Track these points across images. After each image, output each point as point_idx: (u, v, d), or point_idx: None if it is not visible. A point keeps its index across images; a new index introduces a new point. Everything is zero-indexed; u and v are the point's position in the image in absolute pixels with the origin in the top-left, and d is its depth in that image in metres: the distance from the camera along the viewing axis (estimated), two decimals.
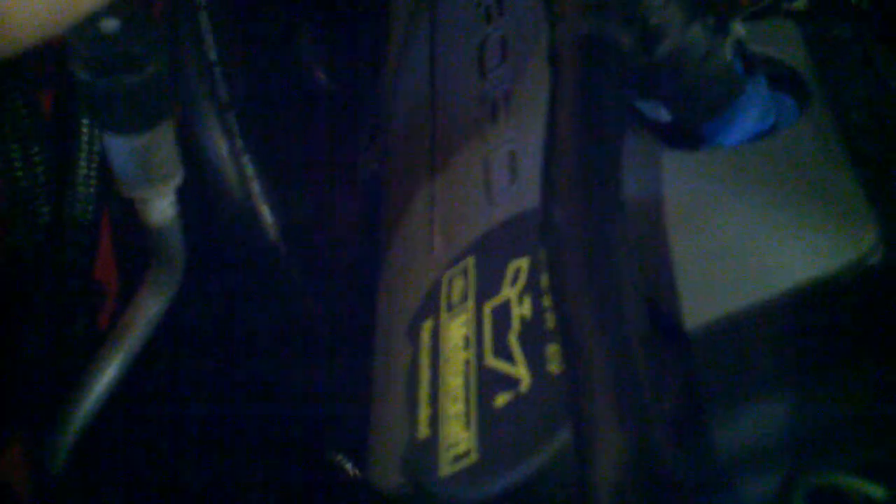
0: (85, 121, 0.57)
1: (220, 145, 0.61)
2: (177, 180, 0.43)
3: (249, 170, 0.62)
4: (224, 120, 0.61)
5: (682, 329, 0.38)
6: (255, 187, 0.62)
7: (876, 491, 0.31)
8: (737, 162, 0.41)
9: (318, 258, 0.66)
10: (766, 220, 0.39)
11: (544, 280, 0.37)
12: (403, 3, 0.76)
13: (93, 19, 0.37)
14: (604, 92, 0.33)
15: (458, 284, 0.41)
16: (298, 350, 0.62)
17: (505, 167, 0.48)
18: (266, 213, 0.62)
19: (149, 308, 0.48)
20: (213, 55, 0.61)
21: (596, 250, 0.30)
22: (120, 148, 0.40)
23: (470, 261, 0.42)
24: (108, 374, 0.49)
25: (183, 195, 0.48)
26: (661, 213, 0.40)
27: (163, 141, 0.40)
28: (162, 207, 0.43)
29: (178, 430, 0.63)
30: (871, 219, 0.37)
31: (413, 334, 0.42)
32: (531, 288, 0.37)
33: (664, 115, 0.43)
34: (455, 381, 0.38)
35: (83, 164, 0.59)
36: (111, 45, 0.37)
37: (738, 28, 0.42)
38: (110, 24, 0.37)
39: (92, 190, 0.59)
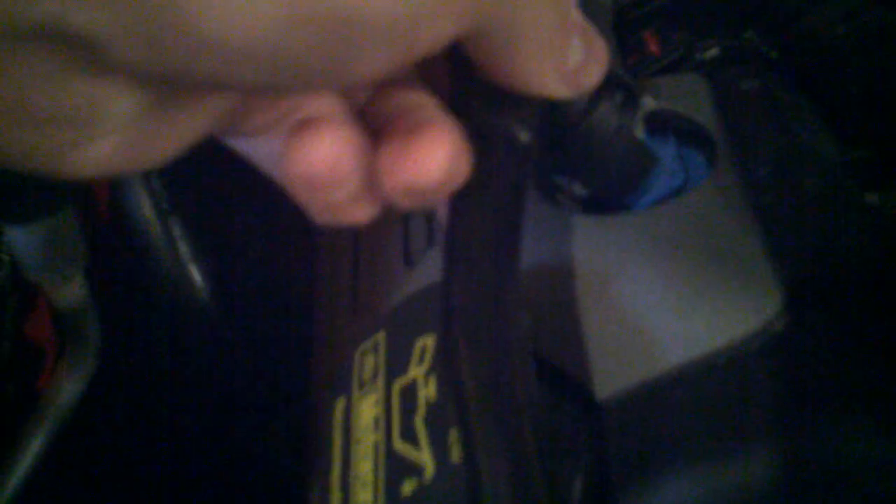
0: None
1: (144, 206, 0.60)
2: (81, 263, 0.41)
3: (176, 230, 0.61)
4: (149, 180, 0.59)
5: (593, 399, 0.37)
6: (183, 248, 0.60)
7: None
8: (646, 226, 0.40)
9: (255, 320, 0.65)
10: (675, 286, 0.38)
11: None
12: None
13: None
14: (499, 181, 0.31)
15: (370, 361, 0.40)
16: (230, 410, 0.60)
17: (422, 230, 0.47)
18: (195, 274, 0.60)
19: (64, 391, 0.46)
20: None
21: (489, 337, 0.29)
22: (18, 236, 0.39)
23: (381, 336, 0.40)
24: (29, 455, 0.48)
25: (112, 260, 0.46)
26: (573, 280, 0.39)
27: (63, 227, 0.39)
28: (69, 291, 0.42)
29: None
30: (775, 285, 0.36)
31: (327, 412, 0.41)
32: (436, 367, 0.36)
33: (579, 189, 0.42)
34: (365, 465, 0.37)
35: None
36: None
37: (649, 101, 0.41)
38: None
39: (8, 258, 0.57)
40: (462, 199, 0.31)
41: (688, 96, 0.45)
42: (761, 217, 0.39)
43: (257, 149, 0.27)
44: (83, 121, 0.21)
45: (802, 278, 0.35)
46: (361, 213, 0.25)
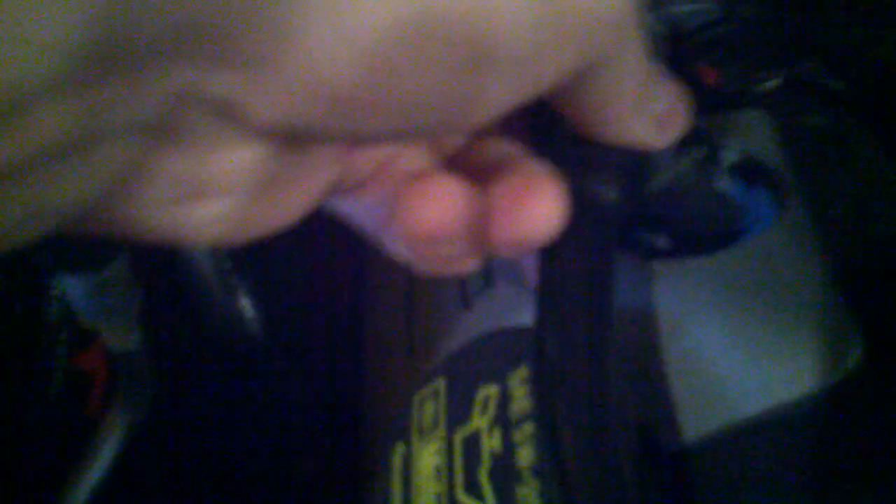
0: None
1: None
2: (135, 310, 0.41)
3: (227, 264, 0.60)
4: None
5: (673, 452, 0.35)
6: (233, 282, 0.59)
7: None
8: (716, 268, 0.38)
9: (304, 355, 0.64)
10: (749, 332, 0.36)
11: (512, 413, 0.35)
12: None
13: None
14: (587, 240, 0.30)
15: (430, 408, 0.39)
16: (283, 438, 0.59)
17: (479, 273, 0.45)
18: (247, 307, 0.60)
19: (117, 429, 0.46)
20: None
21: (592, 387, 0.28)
22: (75, 286, 0.38)
23: (441, 382, 0.39)
24: (82, 489, 0.47)
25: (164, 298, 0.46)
26: (649, 328, 0.38)
27: (116, 277, 0.38)
28: (123, 336, 0.41)
29: None
30: (855, 334, 0.34)
31: (386, 457, 0.39)
32: (500, 419, 0.35)
33: (663, 243, 0.40)
34: None
35: None
36: None
37: (731, 154, 0.39)
38: None
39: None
40: (555, 254, 0.30)
41: (751, 133, 0.43)
42: (835, 260, 0.37)
43: (355, 207, 0.26)
44: (209, 187, 0.20)
45: (884, 327, 0.34)
46: (468, 265, 0.25)
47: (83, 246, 0.36)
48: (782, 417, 0.34)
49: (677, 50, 0.54)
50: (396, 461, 0.39)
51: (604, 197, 0.29)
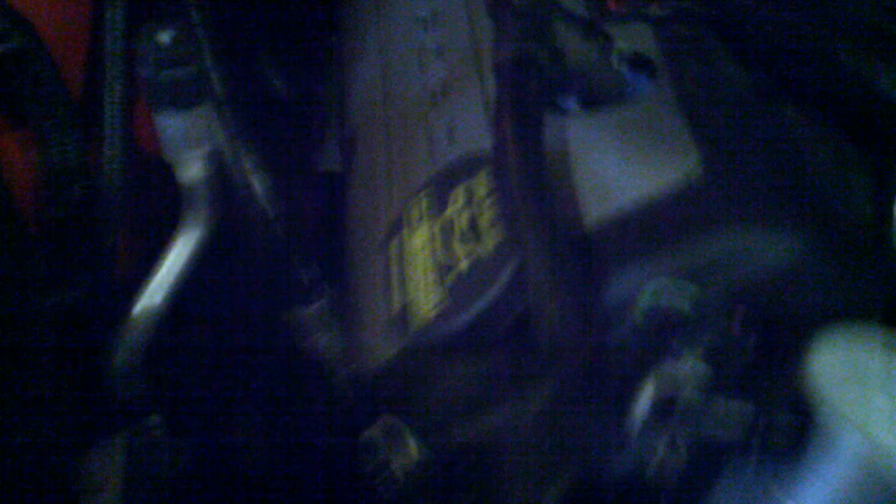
0: (111, 108, 0.70)
1: (220, 134, 0.75)
2: (207, 148, 0.57)
3: (242, 149, 0.76)
4: (223, 112, 0.75)
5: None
6: (247, 163, 0.76)
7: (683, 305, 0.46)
8: (609, 118, 0.57)
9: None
10: (626, 146, 0.54)
11: (476, 198, 0.53)
12: (351, 21, 0.92)
13: (151, 33, 0.51)
14: (529, 94, 0.48)
15: (416, 211, 0.56)
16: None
17: (444, 137, 0.63)
18: (256, 183, 0.76)
19: (181, 251, 0.62)
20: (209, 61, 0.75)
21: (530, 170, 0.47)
22: (170, 121, 0.54)
23: (423, 194, 0.57)
24: (156, 300, 0.63)
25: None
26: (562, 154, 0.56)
27: (200, 117, 0.55)
28: (196, 168, 0.58)
29: None
30: (694, 147, 0.53)
31: (384, 248, 0.57)
32: (468, 203, 0.53)
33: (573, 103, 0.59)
34: (417, 273, 0.53)
35: (108, 147, 0.72)
36: (168, 50, 0.51)
37: (625, 47, 0.58)
38: (164, 36, 0.51)
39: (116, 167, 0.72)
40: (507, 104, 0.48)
41: (639, 35, 0.62)
42: (687, 108, 0.55)
43: None
44: None
45: (715, 138, 0.52)
46: None
47: (181, 89, 0.52)
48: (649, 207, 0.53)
49: None
50: (393, 249, 0.56)
51: (542, 60, 0.47)
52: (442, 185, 0.56)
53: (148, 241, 0.78)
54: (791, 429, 0.36)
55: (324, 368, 0.75)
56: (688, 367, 0.41)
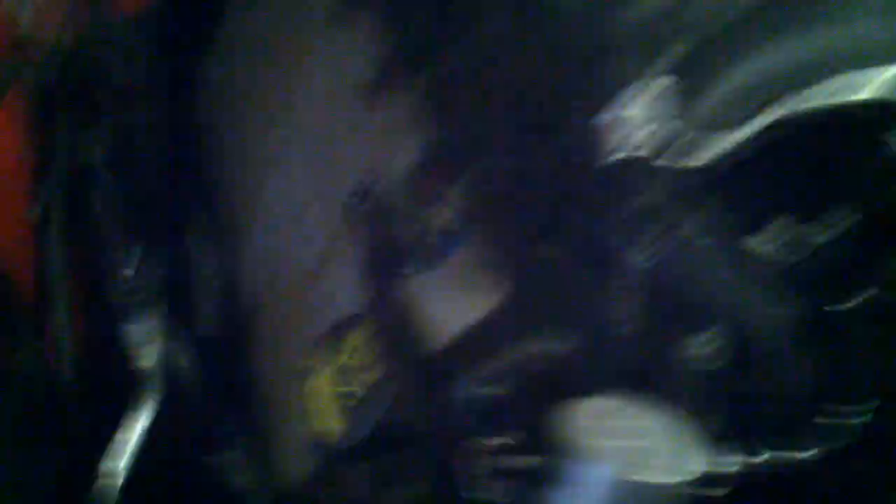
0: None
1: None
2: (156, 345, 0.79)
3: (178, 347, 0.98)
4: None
5: None
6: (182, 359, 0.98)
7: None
8: (438, 273, 0.82)
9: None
10: (449, 294, 0.80)
11: (360, 344, 0.77)
12: (236, 213, 1.16)
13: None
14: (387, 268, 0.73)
15: (317, 360, 0.80)
16: None
17: (327, 303, 0.88)
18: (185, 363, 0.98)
19: (137, 421, 0.83)
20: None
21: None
22: (131, 328, 0.77)
23: (322, 346, 0.80)
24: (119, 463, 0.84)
25: None
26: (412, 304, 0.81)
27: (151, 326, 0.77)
28: (146, 360, 0.80)
29: None
30: (494, 284, 0.78)
31: (297, 391, 0.80)
32: (354, 351, 0.77)
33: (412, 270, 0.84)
34: (324, 405, 0.76)
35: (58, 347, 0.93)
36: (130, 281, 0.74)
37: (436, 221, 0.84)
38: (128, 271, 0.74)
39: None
40: None
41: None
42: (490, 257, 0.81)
43: None
44: None
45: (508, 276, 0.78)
46: None
47: None
48: None
49: None
50: (305, 391, 0.80)
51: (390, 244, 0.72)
52: (332, 341, 0.79)
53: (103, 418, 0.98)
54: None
55: (248, 494, 0.96)
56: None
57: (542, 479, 0.58)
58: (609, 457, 0.57)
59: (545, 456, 0.58)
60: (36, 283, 0.91)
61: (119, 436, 0.82)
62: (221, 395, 1.01)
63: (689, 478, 0.57)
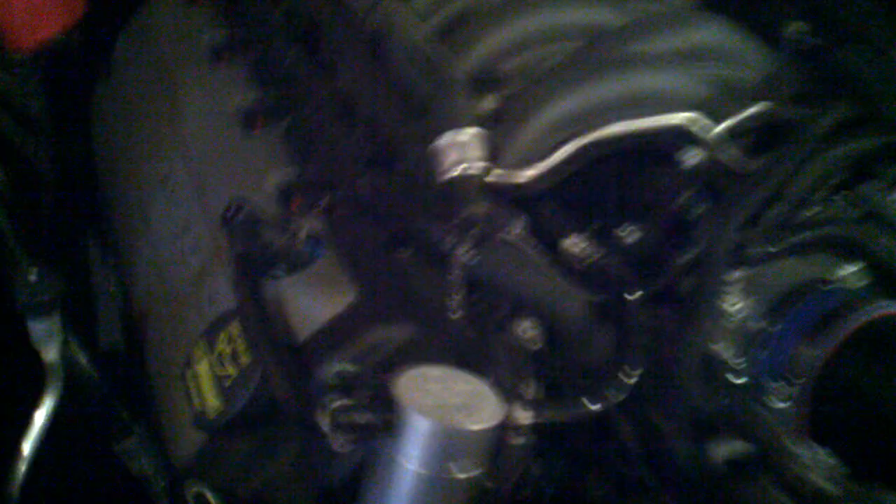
0: None
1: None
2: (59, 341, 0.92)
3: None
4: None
5: None
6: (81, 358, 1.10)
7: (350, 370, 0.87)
8: (303, 276, 0.97)
9: None
10: (313, 294, 0.95)
11: (233, 336, 0.91)
12: (121, 235, 1.29)
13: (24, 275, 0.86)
14: (253, 272, 0.88)
15: (197, 351, 0.93)
16: None
17: (207, 303, 1.01)
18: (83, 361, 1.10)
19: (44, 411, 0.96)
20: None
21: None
22: (38, 326, 0.89)
23: (201, 341, 0.94)
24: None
25: None
26: (279, 302, 0.95)
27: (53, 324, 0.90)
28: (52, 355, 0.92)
29: None
30: (350, 284, 0.94)
31: (182, 378, 0.93)
32: (228, 342, 0.91)
33: (281, 273, 0.99)
34: (205, 387, 0.90)
35: None
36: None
37: (304, 230, 0.99)
38: (32, 276, 0.87)
39: None
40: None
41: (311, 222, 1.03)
42: (346, 262, 0.97)
43: None
44: None
45: (362, 278, 0.94)
46: None
47: None
48: None
49: None
50: (189, 378, 0.93)
51: (262, 254, 0.87)
52: (211, 334, 0.93)
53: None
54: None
55: (148, 477, 1.09)
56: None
57: (379, 430, 0.73)
58: (431, 411, 0.72)
59: (384, 412, 0.72)
60: None
61: (29, 422, 0.94)
62: (118, 390, 1.13)
63: (493, 424, 0.73)
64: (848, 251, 0.95)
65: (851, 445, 0.79)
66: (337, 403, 0.74)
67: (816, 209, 1.02)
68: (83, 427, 1.07)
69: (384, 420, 0.73)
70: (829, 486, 0.69)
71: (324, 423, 0.75)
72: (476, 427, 0.72)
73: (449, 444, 0.72)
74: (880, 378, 0.84)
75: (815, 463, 0.72)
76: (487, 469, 0.75)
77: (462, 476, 0.73)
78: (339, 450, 0.74)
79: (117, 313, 1.23)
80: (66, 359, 0.95)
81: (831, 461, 0.72)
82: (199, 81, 1.27)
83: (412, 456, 0.72)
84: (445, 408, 0.73)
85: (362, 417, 0.74)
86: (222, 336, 0.91)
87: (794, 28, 1.24)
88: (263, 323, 0.86)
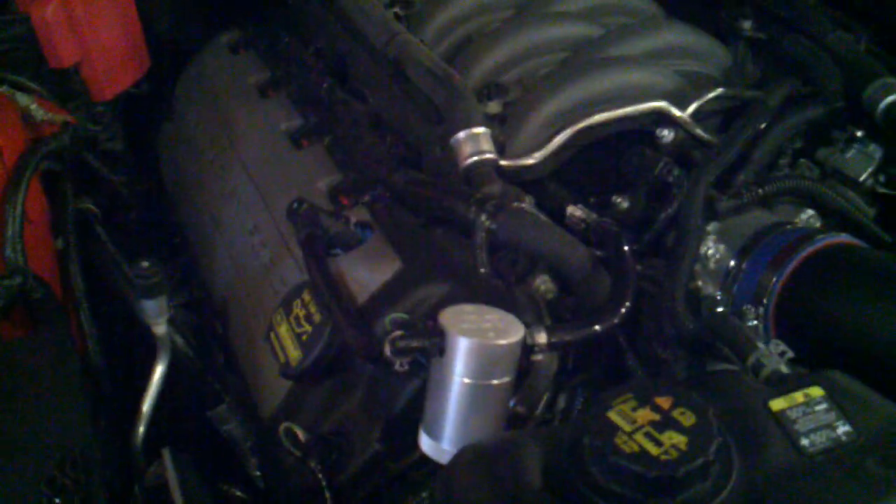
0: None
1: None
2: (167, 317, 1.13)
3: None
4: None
5: None
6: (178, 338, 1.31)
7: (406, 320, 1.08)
8: (359, 253, 1.19)
9: None
10: (368, 265, 1.16)
11: (305, 301, 1.12)
12: (200, 237, 1.50)
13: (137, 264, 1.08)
14: (319, 251, 1.09)
15: (277, 317, 1.13)
16: None
17: (279, 282, 1.22)
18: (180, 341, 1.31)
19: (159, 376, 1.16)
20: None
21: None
22: (147, 304, 1.10)
23: (280, 310, 1.14)
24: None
25: None
26: (341, 273, 1.16)
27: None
28: (161, 329, 1.13)
29: None
30: (397, 258, 1.15)
31: (267, 339, 1.14)
32: (301, 307, 1.11)
33: (339, 251, 1.20)
34: (286, 344, 1.10)
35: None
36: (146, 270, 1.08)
37: (352, 220, 1.21)
38: (144, 263, 1.08)
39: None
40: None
41: (360, 212, 1.25)
42: (392, 241, 1.18)
43: None
44: None
45: (406, 254, 1.15)
46: None
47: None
48: None
49: None
50: (272, 338, 1.14)
51: (325, 237, 1.09)
52: (286, 303, 1.14)
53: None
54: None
55: (236, 439, 1.29)
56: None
57: (429, 350, 0.92)
58: (468, 332, 0.91)
59: (432, 337, 0.92)
60: (63, 288, 1.25)
61: (148, 385, 1.14)
62: (209, 364, 1.33)
63: (517, 339, 0.92)
64: (806, 201, 1.16)
65: (808, 345, 0.97)
66: (396, 333, 0.94)
67: (784, 171, 1.24)
68: (183, 396, 1.27)
69: (432, 342, 0.92)
70: (782, 368, 0.88)
71: (386, 351, 0.95)
72: (503, 341, 0.91)
73: (482, 356, 0.89)
74: (829, 294, 1.02)
75: (775, 352, 0.90)
76: (517, 388, 0.93)
77: (496, 382, 0.92)
78: (399, 370, 0.94)
79: (202, 302, 1.44)
80: (171, 334, 1.15)
81: (787, 352, 0.90)
82: (250, 113, 1.49)
83: (456, 368, 0.89)
84: (478, 331, 0.91)
85: (416, 342, 0.93)
86: (297, 303, 1.11)
87: (745, 26, 1.47)
88: (330, 287, 1.06)
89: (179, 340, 1.22)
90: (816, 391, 0.76)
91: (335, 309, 1.04)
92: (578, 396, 1.06)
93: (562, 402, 1.05)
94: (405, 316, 1.04)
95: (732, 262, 1.09)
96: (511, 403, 0.95)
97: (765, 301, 1.06)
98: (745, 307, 1.00)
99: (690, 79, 1.33)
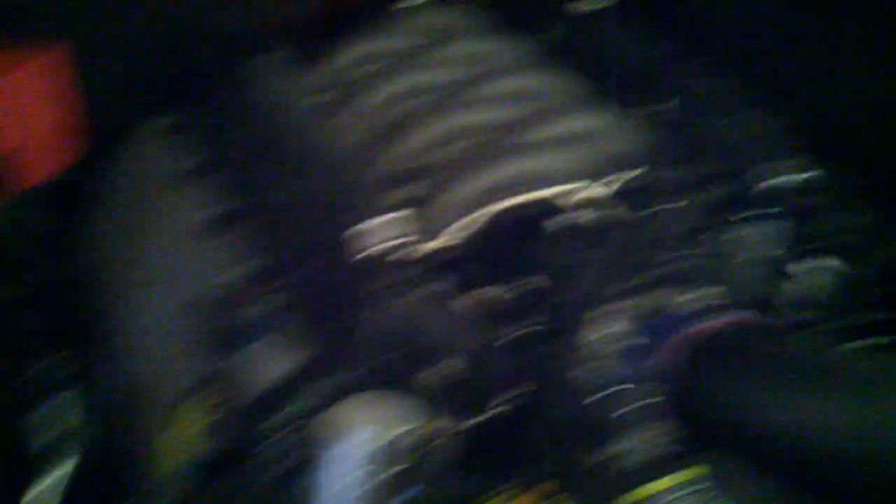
0: None
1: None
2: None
3: None
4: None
5: None
6: None
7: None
8: None
9: None
10: None
11: None
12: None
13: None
14: None
15: (175, 414, 1.12)
16: None
17: None
18: None
19: None
20: None
21: None
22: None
23: (180, 406, 1.13)
24: None
25: None
26: None
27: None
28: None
29: None
30: None
31: (161, 432, 1.13)
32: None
33: None
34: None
35: None
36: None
37: None
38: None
39: None
40: None
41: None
42: None
43: None
44: None
45: None
46: None
47: None
48: None
49: None
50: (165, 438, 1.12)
51: None
52: (183, 400, 1.13)
53: None
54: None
55: None
56: None
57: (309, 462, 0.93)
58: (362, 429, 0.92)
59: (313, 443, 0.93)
60: None
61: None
62: (115, 456, 1.31)
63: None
64: (693, 280, 1.17)
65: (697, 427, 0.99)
66: (279, 436, 0.95)
67: (681, 249, 1.26)
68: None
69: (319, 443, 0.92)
70: (662, 452, 0.89)
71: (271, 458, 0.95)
72: (393, 434, 0.92)
73: (371, 452, 0.91)
74: (712, 375, 1.04)
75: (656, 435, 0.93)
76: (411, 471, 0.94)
77: (387, 475, 0.91)
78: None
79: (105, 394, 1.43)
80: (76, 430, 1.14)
81: (666, 437, 0.92)
82: (168, 200, 1.50)
83: (346, 466, 0.90)
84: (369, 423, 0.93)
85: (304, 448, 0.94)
86: (194, 401, 1.11)
87: (668, 105, 1.49)
88: (233, 384, 1.06)
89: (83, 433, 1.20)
90: (700, 470, 0.79)
91: (228, 409, 1.03)
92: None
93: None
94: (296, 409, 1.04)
95: (622, 344, 1.11)
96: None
97: (652, 382, 1.07)
98: (634, 388, 1.04)
99: (607, 159, 1.36)
